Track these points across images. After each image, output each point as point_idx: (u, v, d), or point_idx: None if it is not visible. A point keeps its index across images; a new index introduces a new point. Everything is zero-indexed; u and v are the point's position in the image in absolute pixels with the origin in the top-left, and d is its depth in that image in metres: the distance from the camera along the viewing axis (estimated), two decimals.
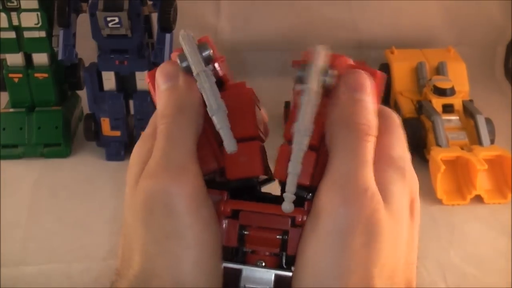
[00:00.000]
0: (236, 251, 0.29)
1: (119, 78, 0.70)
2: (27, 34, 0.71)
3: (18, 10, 0.69)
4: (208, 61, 0.29)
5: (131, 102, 0.72)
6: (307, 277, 0.27)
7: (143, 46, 0.70)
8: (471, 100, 0.74)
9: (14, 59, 0.73)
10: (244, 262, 0.29)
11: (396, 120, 0.31)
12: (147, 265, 0.28)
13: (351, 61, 0.31)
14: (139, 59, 0.69)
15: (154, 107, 0.31)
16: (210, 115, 0.28)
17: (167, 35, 0.69)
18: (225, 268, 0.29)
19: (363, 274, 0.26)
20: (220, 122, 0.28)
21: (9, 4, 0.69)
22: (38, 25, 0.70)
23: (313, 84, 0.28)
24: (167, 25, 0.68)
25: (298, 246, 0.28)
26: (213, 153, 0.30)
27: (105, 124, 0.72)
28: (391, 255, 0.27)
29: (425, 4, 0.90)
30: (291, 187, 0.27)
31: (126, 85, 0.71)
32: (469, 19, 0.92)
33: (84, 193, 0.68)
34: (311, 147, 0.28)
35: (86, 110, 0.75)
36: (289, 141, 0.29)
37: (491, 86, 0.90)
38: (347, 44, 0.90)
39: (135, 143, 0.31)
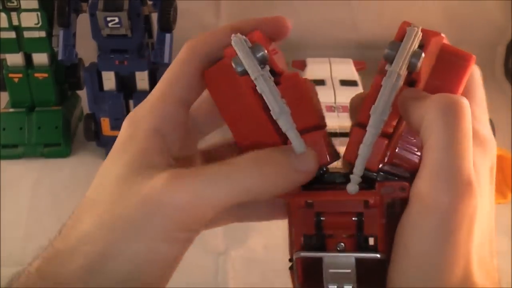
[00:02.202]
0: (315, 237, 0.30)
1: (119, 78, 0.70)
2: (27, 34, 0.71)
3: (18, 10, 0.69)
4: (264, 61, 0.29)
5: (131, 102, 0.72)
6: (410, 269, 0.27)
7: (143, 46, 0.70)
8: None
9: (14, 59, 0.73)
10: (324, 247, 0.30)
11: (476, 80, 0.30)
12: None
13: (445, 40, 0.30)
14: (139, 59, 0.69)
15: None
16: (274, 118, 0.28)
17: (167, 35, 0.69)
18: (307, 258, 0.30)
19: (465, 265, 0.27)
20: (286, 125, 0.28)
21: (9, 4, 0.69)
22: (38, 25, 0.70)
23: (399, 68, 0.27)
24: (167, 25, 0.68)
25: (396, 235, 0.28)
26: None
27: (105, 124, 0.72)
28: (481, 236, 0.28)
29: (425, 4, 0.90)
30: (358, 169, 0.28)
31: (126, 85, 0.71)
32: (469, 19, 0.92)
33: (84, 193, 0.68)
34: (383, 134, 0.28)
35: (86, 110, 0.75)
36: (360, 123, 0.29)
37: (491, 86, 0.89)
38: (347, 44, 0.90)
39: None
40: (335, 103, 0.68)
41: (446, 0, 0.91)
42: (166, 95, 0.30)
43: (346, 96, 0.69)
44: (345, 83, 0.72)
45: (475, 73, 0.30)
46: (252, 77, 0.28)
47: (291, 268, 0.31)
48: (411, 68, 0.28)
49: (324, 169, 0.30)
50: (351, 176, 0.28)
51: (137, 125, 0.30)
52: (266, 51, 0.29)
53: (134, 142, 0.29)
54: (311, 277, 0.30)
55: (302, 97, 0.30)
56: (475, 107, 0.30)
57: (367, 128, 0.28)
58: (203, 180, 0.27)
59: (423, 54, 0.28)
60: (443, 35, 0.29)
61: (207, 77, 0.31)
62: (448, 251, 0.26)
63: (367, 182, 0.29)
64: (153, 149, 0.29)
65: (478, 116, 0.30)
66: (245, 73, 0.29)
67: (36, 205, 0.66)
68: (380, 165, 0.29)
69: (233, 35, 0.29)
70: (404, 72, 0.28)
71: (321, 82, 0.73)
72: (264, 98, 0.28)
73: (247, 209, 0.34)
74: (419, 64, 0.28)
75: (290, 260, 0.31)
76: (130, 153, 0.29)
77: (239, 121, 0.30)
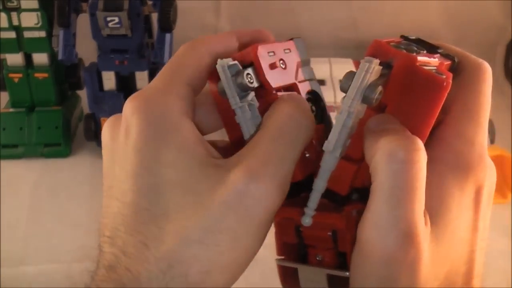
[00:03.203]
0: (297, 246, 0.31)
1: (119, 78, 0.70)
2: (27, 34, 0.71)
3: (18, 10, 0.69)
4: (245, 88, 0.28)
5: None
6: None
7: (143, 46, 0.70)
8: None
9: (14, 59, 0.73)
10: (305, 256, 0.31)
11: (480, 93, 0.28)
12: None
13: (419, 61, 0.27)
14: (139, 59, 0.69)
15: None
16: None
17: (167, 35, 0.69)
18: (284, 266, 0.31)
19: None
20: None
21: (9, 4, 0.69)
22: (38, 25, 0.70)
23: (349, 105, 0.26)
24: (167, 25, 0.68)
25: (350, 269, 0.27)
26: None
27: None
28: (450, 265, 0.27)
29: (425, 4, 0.90)
30: (311, 203, 0.28)
31: (126, 85, 0.71)
32: (469, 19, 0.92)
33: (84, 193, 0.68)
34: (351, 159, 0.28)
35: (86, 110, 0.75)
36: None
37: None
38: (347, 44, 0.90)
39: None
40: (335, 103, 0.68)
41: (446, 0, 0.91)
42: (177, 77, 0.29)
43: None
44: None
45: (486, 85, 0.28)
46: (232, 106, 0.29)
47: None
48: (367, 102, 0.26)
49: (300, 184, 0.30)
50: (305, 209, 0.28)
51: (162, 110, 0.27)
52: (248, 79, 0.28)
53: (172, 131, 0.27)
54: (291, 281, 0.31)
55: None
56: (468, 124, 0.28)
57: (320, 164, 0.27)
58: (276, 167, 0.26)
59: (380, 88, 0.26)
60: (416, 55, 0.27)
61: (210, 80, 0.31)
62: None
63: (339, 201, 0.29)
64: (196, 137, 0.28)
65: (470, 135, 0.28)
66: (225, 96, 0.29)
67: (36, 205, 0.66)
68: (350, 188, 0.29)
69: (218, 60, 0.29)
70: (357, 107, 0.26)
71: (321, 82, 0.73)
72: (241, 127, 0.29)
73: None
74: (374, 98, 0.26)
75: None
76: (176, 142, 0.27)
77: (233, 129, 0.30)
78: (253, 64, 0.29)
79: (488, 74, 0.29)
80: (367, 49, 0.28)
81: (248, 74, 0.28)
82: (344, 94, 0.27)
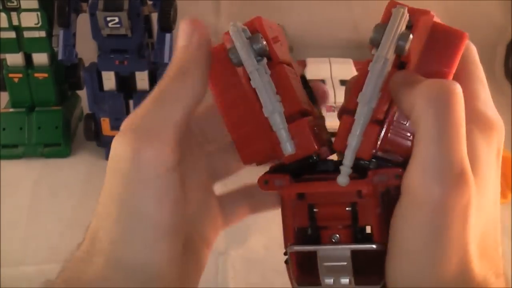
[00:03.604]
0: (309, 231, 0.29)
1: (119, 78, 0.70)
2: (27, 34, 0.71)
3: (18, 10, 0.69)
4: (262, 53, 0.28)
5: (131, 102, 0.72)
6: (404, 264, 0.27)
7: (143, 46, 0.70)
8: None
9: (14, 59, 0.73)
10: (318, 239, 0.29)
11: (474, 58, 0.29)
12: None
13: (435, 18, 0.28)
14: (139, 59, 0.69)
15: None
16: (265, 115, 0.27)
17: (167, 35, 0.69)
18: (301, 251, 0.29)
19: (461, 258, 0.26)
20: (276, 124, 0.27)
21: (9, 4, 0.69)
22: (38, 25, 0.70)
23: (386, 52, 0.26)
24: (167, 25, 0.68)
25: (390, 228, 0.27)
26: (270, 143, 0.29)
27: (105, 124, 0.72)
28: (485, 225, 0.27)
29: (425, 4, 0.90)
30: (348, 160, 0.27)
31: (126, 85, 0.71)
32: (469, 19, 0.92)
33: (84, 193, 0.68)
34: (374, 120, 0.27)
35: (86, 110, 0.75)
36: (348, 110, 0.28)
37: (491, 86, 0.89)
38: (347, 44, 0.90)
39: None
40: (335, 103, 0.68)
41: (446, 0, 0.91)
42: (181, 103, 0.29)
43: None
44: (345, 83, 0.72)
45: (471, 51, 0.29)
46: (247, 71, 0.27)
47: (286, 262, 0.30)
48: (399, 51, 0.26)
49: (315, 157, 0.29)
50: (341, 168, 0.27)
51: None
52: (264, 42, 0.28)
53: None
54: (306, 271, 0.29)
55: (280, 85, 0.28)
56: (477, 86, 0.28)
57: (355, 117, 0.27)
58: (144, 115, 0.27)
59: (411, 36, 0.26)
60: (432, 13, 0.28)
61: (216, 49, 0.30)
62: (441, 245, 0.26)
63: (359, 171, 0.28)
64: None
65: (482, 96, 0.28)
66: (241, 64, 0.28)
67: (36, 205, 0.66)
68: (373, 153, 0.28)
69: (231, 23, 0.28)
70: (391, 56, 0.26)
71: (321, 82, 0.72)
72: (258, 93, 0.27)
73: (256, 198, 0.34)
74: (407, 47, 0.26)
75: (285, 253, 0.30)
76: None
77: (232, 109, 0.29)
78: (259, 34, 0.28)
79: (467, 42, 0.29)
80: (384, 11, 0.28)
81: (262, 38, 0.28)
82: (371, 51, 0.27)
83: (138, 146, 0.26)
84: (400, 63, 0.28)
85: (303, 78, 0.32)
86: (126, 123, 0.28)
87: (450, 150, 0.25)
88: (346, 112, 0.28)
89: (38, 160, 0.73)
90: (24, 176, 0.71)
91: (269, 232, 0.61)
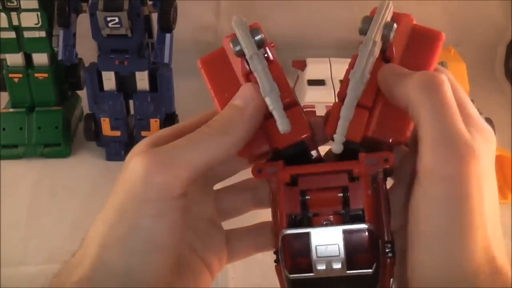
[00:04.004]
0: (300, 218, 0.30)
1: (119, 78, 0.70)
2: (27, 34, 0.71)
3: (18, 10, 0.69)
4: (260, 44, 0.30)
5: (131, 102, 0.72)
6: (432, 245, 0.27)
7: (143, 46, 0.70)
8: (471, 100, 0.74)
9: (14, 59, 0.73)
10: (310, 226, 0.30)
11: (453, 82, 0.30)
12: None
13: (414, 21, 0.31)
14: (139, 59, 0.69)
15: (154, 107, 0.32)
16: (263, 96, 0.29)
17: (167, 35, 0.69)
18: (293, 235, 0.29)
19: (483, 233, 0.27)
20: (273, 103, 0.29)
21: (9, 4, 0.69)
22: (38, 25, 0.70)
23: (373, 35, 0.29)
24: (167, 25, 0.68)
25: (411, 216, 0.28)
26: (262, 134, 0.31)
27: (105, 124, 0.72)
28: (493, 208, 0.29)
29: (425, 4, 0.90)
30: (341, 128, 0.28)
31: (126, 85, 0.71)
32: (469, 19, 0.92)
33: (84, 193, 0.68)
34: (363, 106, 0.29)
35: (86, 110, 0.75)
36: (340, 97, 0.30)
37: (491, 86, 0.89)
38: (347, 44, 0.90)
39: (135, 143, 0.31)
40: None
41: (446, 0, 0.91)
42: (175, 125, 0.33)
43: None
44: None
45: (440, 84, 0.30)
46: (247, 55, 0.29)
47: (276, 261, 0.31)
48: (384, 39, 0.29)
49: (306, 144, 0.31)
50: (335, 136, 0.28)
51: (140, 142, 0.32)
52: (263, 35, 0.30)
53: (132, 154, 0.31)
54: (298, 259, 0.30)
55: (280, 78, 0.30)
56: (466, 99, 0.30)
57: (347, 92, 0.28)
58: (169, 149, 0.29)
59: (395, 25, 0.29)
60: (412, 16, 0.31)
61: (202, 64, 0.32)
62: (464, 217, 0.26)
63: (350, 154, 0.29)
64: None
65: (471, 107, 0.30)
66: (241, 54, 0.30)
67: (36, 205, 0.66)
68: (362, 137, 0.29)
69: (234, 16, 0.30)
70: (379, 41, 0.29)
71: (321, 82, 0.72)
72: (256, 76, 0.29)
73: (262, 238, 0.36)
74: (392, 34, 0.29)
75: (275, 252, 0.31)
76: (127, 162, 0.30)
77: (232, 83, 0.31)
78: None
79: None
80: (371, 12, 0.30)
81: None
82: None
83: (154, 170, 0.28)
84: (385, 60, 0.30)
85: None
86: (153, 141, 0.31)
87: (455, 125, 0.27)
88: (337, 100, 0.30)
89: (38, 160, 0.73)
90: (24, 176, 0.71)
91: (266, 234, 0.61)
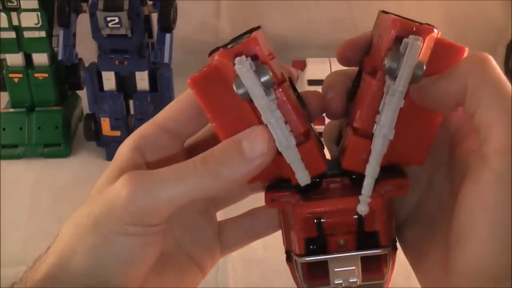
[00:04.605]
0: (316, 238, 0.30)
1: (119, 78, 0.70)
2: (27, 34, 0.71)
3: (18, 10, 0.69)
4: (270, 85, 0.26)
5: (131, 102, 0.72)
6: (488, 241, 0.26)
7: (143, 46, 0.70)
8: None
9: (14, 59, 0.73)
10: (326, 246, 0.30)
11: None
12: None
13: (438, 34, 0.29)
14: (139, 59, 0.69)
15: (154, 107, 0.32)
16: (279, 150, 0.27)
17: (167, 35, 0.69)
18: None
19: None
20: (291, 158, 0.27)
21: (9, 4, 0.69)
22: (38, 25, 0.70)
23: (403, 86, 0.26)
24: (167, 25, 0.68)
25: (463, 199, 0.27)
26: (276, 164, 0.28)
27: (105, 124, 0.72)
28: None
29: (425, 4, 0.90)
30: (366, 190, 0.27)
31: (126, 85, 0.71)
32: (469, 19, 0.92)
33: (84, 193, 0.67)
34: (364, 135, 0.28)
35: (86, 110, 0.75)
36: (356, 129, 0.28)
37: None
38: None
39: None
40: None
41: (446, 0, 0.91)
42: (154, 120, 0.31)
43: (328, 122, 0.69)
44: None
45: (493, 62, 0.29)
46: (259, 108, 0.26)
47: (288, 260, 0.31)
48: (414, 81, 0.27)
49: (321, 178, 0.30)
50: (360, 198, 0.28)
51: (122, 144, 0.31)
52: (271, 75, 0.26)
53: (115, 158, 0.30)
54: (316, 274, 0.31)
55: (287, 110, 0.28)
56: None
57: (372, 148, 0.27)
58: (156, 180, 0.27)
59: (424, 67, 0.27)
60: (435, 30, 0.28)
61: (194, 85, 0.28)
62: None
63: (357, 181, 0.29)
64: (130, 162, 0.30)
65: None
66: (247, 97, 0.26)
67: (36, 205, 0.66)
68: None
69: (237, 58, 0.26)
70: (407, 87, 0.27)
71: (321, 82, 0.72)
72: (270, 128, 0.27)
73: (255, 226, 0.36)
74: (422, 74, 0.27)
75: (287, 252, 0.32)
76: (110, 167, 0.30)
77: (233, 131, 0.28)
78: (257, 57, 0.27)
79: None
80: (392, 26, 0.29)
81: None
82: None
83: (135, 199, 0.27)
84: None
85: (290, 81, 0.32)
86: (137, 140, 0.30)
87: None
88: (353, 130, 0.29)
89: (38, 160, 0.73)
90: (24, 176, 0.71)
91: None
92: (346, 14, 0.91)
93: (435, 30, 0.28)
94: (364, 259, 0.30)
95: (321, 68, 0.75)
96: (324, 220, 0.30)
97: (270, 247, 0.61)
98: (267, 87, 0.26)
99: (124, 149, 0.30)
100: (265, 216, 0.35)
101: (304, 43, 0.91)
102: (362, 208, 0.28)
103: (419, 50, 0.27)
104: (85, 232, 0.28)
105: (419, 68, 0.26)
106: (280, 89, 0.27)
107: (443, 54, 0.29)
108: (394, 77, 0.27)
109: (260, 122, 0.27)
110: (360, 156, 0.28)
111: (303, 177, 0.28)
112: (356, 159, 0.28)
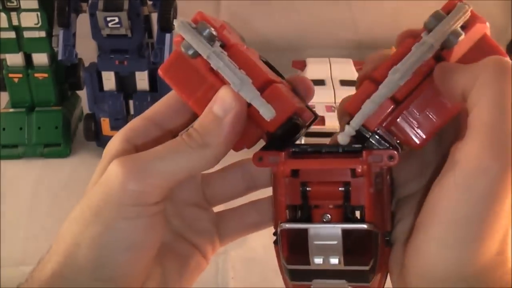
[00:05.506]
0: (300, 208, 0.30)
1: (119, 78, 0.71)
2: (27, 34, 0.71)
3: (18, 10, 0.69)
4: (212, 38, 0.29)
5: (131, 102, 0.72)
6: (443, 236, 0.26)
7: (143, 46, 0.70)
8: None
9: (14, 59, 0.73)
10: (309, 218, 0.30)
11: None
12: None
13: (487, 30, 0.29)
14: (139, 59, 0.69)
15: None
16: (235, 90, 0.28)
17: (167, 35, 0.69)
18: (292, 229, 0.29)
19: (502, 237, 0.26)
20: (250, 94, 0.28)
21: (9, 4, 0.69)
22: (38, 25, 0.70)
23: (436, 40, 0.27)
24: (167, 25, 0.68)
25: (430, 199, 0.27)
26: (251, 122, 0.29)
27: (105, 124, 0.72)
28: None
29: (425, 4, 0.90)
30: (355, 122, 0.27)
31: (126, 85, 0.71)
32: None
33: (84, 193, 0.68)
34: (392, 98, 0.28)
35: (86, 110, 0.75)
36: (373, 78, 0.28)
37: None
38: (347, 44, 0.90)
39: None
40: (335, 103, 0.68)
41: (446, 0, 0.91)
42: (142, 115, 0.32)
43: (346, 96, 0.69)
44: (345, 83, 0.72)
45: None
46: (204, 56, 0.28)
47: (275, 242, 0.31)
48: (446, 45, 0.27)
49: (296, 118, 0.29)
50: (346, 126, 0.27)
51: (111, 141, 0.32)
52: (211, 28, 0.29)
53: (106, 153, 0.31)
54: (296, 250, 0.29)
55: (243, 62, 0.29)
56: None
57: (379, 87, 0.27)
58: (149, 158, 0.28)
59: (463, 35, 0.27)
60: (487, 24, 0.28)
61: (164, 73, 0.30)
62: (490, 219, 0.25)
63: (358, 139, 0.28)
64: (121, 153, 0.30)
65: None
66: (197, 54, 0.28)
67: (36, 205, 0.66)
68: (377, 127, 0.29)
69: (175, 20, 0.29)
70: (437, 46, 0.27)
71: (321, 82, 0.72)
72: (221, 73, 0.28)
73: (251, 218, 0.36)
74: (455, 43, 0.27)
75: (275, 234, 0.31)
76: (102, 162, 0.31)
77: (206, 104, 0.29)
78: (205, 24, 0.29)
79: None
80: (447, 3, 0.29)
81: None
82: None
83: (130, 178, 0.28)
84: (439, 57, 0.28)
85: (266, 63, 0.32)
86: (127, 134, 0.31)
87: (506, 119, 0.25)
88: (370, 79, 0.29)
89: (38, 160, 0.73)
90: (24, 176, 0.71)
91: (268, 232, 0.61)
92: (346, 14, 0.91)
93: (487, 25, 0.28)
94: (348, 243, 0.28)
95: (321, 68, 0.75)
96: (310, 188, 0.29)
97: (270, 247, 0.61)
98: (210, 40, 0.28)
99: (115, 143, 0.31)
100: (266, 207, 0.35)
101: (304, 43, 0.91)
102: (343, 138, 0.27)
103: (463, 14, 0.27)
104: (86, 223, 0.29)
105: (455, 34, 0.27)
106: (231, 48, 0.29)
107: (486, 52, 0.28)
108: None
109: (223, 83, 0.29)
110: (365, 99, 0.28)
111: (266, 112, 0.28)
112: (361, 102, 0.28)
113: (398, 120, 0.29)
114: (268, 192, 0.33)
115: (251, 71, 0.29)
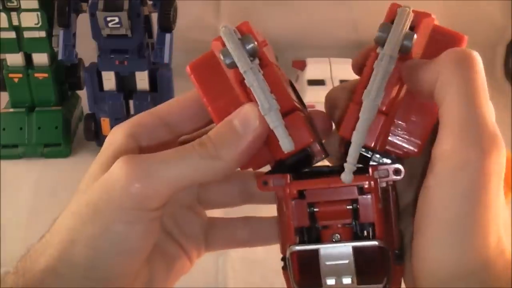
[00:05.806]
0: (309, 230, 0.29)
1: (119, 78, 0.71)
2: (27, 34, 0.71)
3: (18, 10, 0.69)
4: (254, 53, 0.28)
5: (131, 102, 0.72)
6: (441, 236, 0.26)
7: (143, 46, 0.70)
8: None
9: (14, 59, 0.73)
10: (319, 239, 0.29)
11: (478, 69, 0.27)
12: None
13: (435, 21, 0.29)
14: (139, 59, 0.69)
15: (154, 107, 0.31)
16: (262, 113, 0.27)
17: (167, 35, 0.69)
18: (303, 251, 0.29)
19: (496, 227, 0.26)
20: (274, 122, 0.27)
21: (9, 4, 0.69)
22: (38, 25, 0.70)
23: (391, 50, 0.27)
24: (167, 25, 0.68)
25: (420, 203, 0.27)
26: (266, 147, 0.29)
27: (105, 124, 0.72)
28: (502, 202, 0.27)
29: (425, 4, 0.90)
30: (352, 158, 0.27)
31: (126, 85, 0.71)
32: (469, 19, 0.92)
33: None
34: (380, 112, 0.28)
35: (86, 110, 0.75)
36: (357, 103, 0.28)
37: (491, 86, 0.89)
38: (347, 44, 0.90)
39: None
40: None
41: (446, 0, 0.91)
42: (153, 110, 0.31)
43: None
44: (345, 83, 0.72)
45: (475, 62, 0.28)
46: (241, 70, 0.27)
47: (284, 268, 0.30)
48: (404, 50, 0.27)
49: (309, 150, 0.29)
50: (345, 165, 0.27)
51: (115, 130, 0.31)
52: (256, 43, 0.28)
53: (108, 144, 0.30)
54: (307, 273, 0.29)
55: (275, 84, 0.28)
56: (482, 98, 0.27)
57: (360, 114, 0.27)
58: (155, 161, 0.27)
59: (415, 36, 0.27)
60: (433, 16, 0.28)
61: (192, 70, 0.29)
62: (482, 209, 0.25)
63: (360, 161, 0.28)
64: (124, 148, 0.29)
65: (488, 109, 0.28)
66: (233, 65, 0.27)
67: (36, 205, 0.66)
68: (375, 143, 0.28)
69: (222, 25, 0.28)
70: (396, 55, 0.27)
71: (321, 82, 0.73)
72: (253, 92, 0.27)
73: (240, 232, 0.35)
74: (411, 46, 0.27)
75: (283, 259, 0.30)
76: (103, 154, 0.30)
77: (225, 115, 0.29)
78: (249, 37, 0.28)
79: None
80: (387, 11, 0.29)
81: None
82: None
83: (134, 180, 0.27)
84: (403, 60, 0.28)
85: (291, 85, 0.32)
86: (133, 128, 0.30)
87: (482, 113, 0.25)
88: (353, 102, 0.29)
89: (38, 160, 0.73)
90: (24, 176, 0.71)
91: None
92: (346, 14, 0.91)
93: (433, 16, 0.28)
94: (360, 261, 0.28)
95: (321, 68, 0.75)
96: (317, 209, 0.29)
97: (270, 247, 0.61)
98: (251, 55, 0.27)
99: (118, 136, 0.30)
100: (259, 227, 0.35)
101: (304, 43, 0.91)
102: (346, 177, 0.27)
103: (407, 17, 0.27)
104: (84, 221, 0.28)
105: (408, 38, 0.27)
106: (267, 67, 0.28)
107: (443, 41, 0.28)
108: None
109: (248, 100, 0.28)
110: (355, 124, 0.27)
111: (286, 143, 0.27)
112: (351, 126, 0.27)
113: (389, 138, 0.29)
114: (263, 208, 0.33)
115: (280, 95, 0.28)
